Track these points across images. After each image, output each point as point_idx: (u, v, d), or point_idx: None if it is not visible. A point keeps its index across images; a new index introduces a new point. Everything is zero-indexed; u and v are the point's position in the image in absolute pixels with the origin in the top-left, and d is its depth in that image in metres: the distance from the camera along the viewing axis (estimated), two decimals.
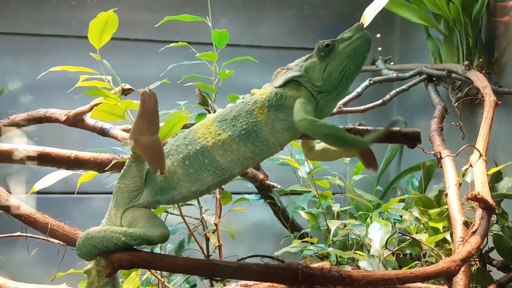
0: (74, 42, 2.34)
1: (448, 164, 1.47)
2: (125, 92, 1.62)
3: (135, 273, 1.54)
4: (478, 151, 1.42)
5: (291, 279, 0.88)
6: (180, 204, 1.64)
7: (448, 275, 1.01)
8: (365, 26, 1.75)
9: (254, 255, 1.00)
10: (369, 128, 0.99)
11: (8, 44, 2.33)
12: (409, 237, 1.49)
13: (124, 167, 1.01)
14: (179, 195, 0.98)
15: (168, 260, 0.91)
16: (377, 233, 1.42)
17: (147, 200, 0.98)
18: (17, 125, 1.82)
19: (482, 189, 1.29)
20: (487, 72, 1.90)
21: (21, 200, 1.08)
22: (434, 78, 2.05)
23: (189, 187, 0.96)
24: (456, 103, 1.75)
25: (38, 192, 1.47)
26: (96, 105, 1.57)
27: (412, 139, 0.96)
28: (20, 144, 1.40)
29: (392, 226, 1.62)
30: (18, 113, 1.86)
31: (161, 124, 1.44)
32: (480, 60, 1.87)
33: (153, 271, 1.44)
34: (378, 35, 2.64)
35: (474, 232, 1.14)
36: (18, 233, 1.27)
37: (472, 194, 1.15)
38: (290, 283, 0.92)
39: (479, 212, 1.22)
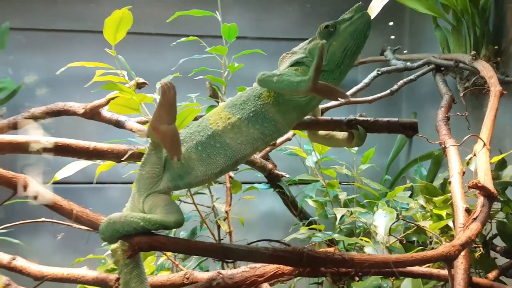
0: (89, 37, 2.43)
1: (452, 153, 1.53)
2: (139, 86, 1.70)
3: (151, 258, 1.64)
4: (482, 140, 1.47)
5: (297, 261, 0.96)
6: (192, 193, 1.73)
7: (447, 259, 1.07)
8: (372, 17, 1.82)
9: (263, 239, 1.07)
10: (369, 119, 1.05)
11: (25, 39, 2.43)
12: (413, 224, 1.56)
13: (144, 155, 1.09)
14: (195, 179, 1.05)
15: (183, 243, 0.99)
16: (382, 220, 1.49)
17: (167, 186, 1.06)
18: (37, 118, 1.92)
19: (484, 177, 1.35)
20: (495, 62, 1.94)
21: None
22: (442, 68, 2.10)
23: (204, 171, 1.03)
24: (463, 93, 1.79)
25: (56, 182, 1.57)
26: (112, 98, 1.66)
27: (410, 129, 1.02)
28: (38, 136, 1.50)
29: (398, 213, 1.70)
30: (36, 107, 1.96)
31: None
32: (487, 50, 1.91)
33: (169, 255, 1.53)
34: (391, 23, 2.68)
35: (474, 219, 1.20)
36: (43, 219, 1.36)
37: (473, 182, 1.21)
38: (295, 265, 1.00)
39: (480, 199, 1.28)
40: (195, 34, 1.80)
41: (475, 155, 1.46)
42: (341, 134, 1.11)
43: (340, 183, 1.90)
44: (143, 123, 1.72)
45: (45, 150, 1.40)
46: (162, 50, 2.25)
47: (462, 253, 1.25)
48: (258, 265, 1.08)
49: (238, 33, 1.72)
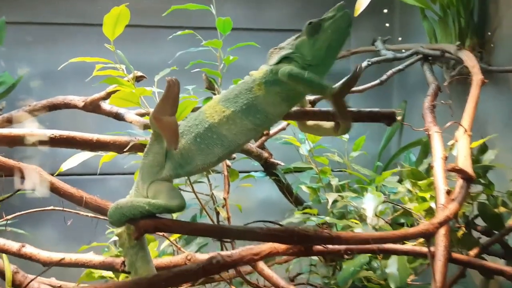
0: (89, 30, 2.50)
1: (436, 140, 1.64)
2: (138, 79, 1.79)
3: (154, 243, 1.75)
4: (463, 127, 1.58)
5: (289, 239, 1.07)
6: (192, 181, 1.83)
7: (426, 236, 1.18)
8: (361, 10, 1.91)
9: (259, 220, 1.18)
10: (353, 109, 1.15)
11: (27, 33, 2.49)
12: (399, 207, 1.67)
13: (147, 146, 1.18)
14: (195, 168, 1.15)
15: (186, 225, 1.10)
16: (370, 203, 1.60)
17: (169, 174, 1.15)
18: (38, 111, 2.01)
19: (464, 161, 1.46)
20: (479, 52, 2.05)
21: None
22: (430, 58, 2.20)
23: (202, 160, 1.13)
24: (447, 82, 1.90)
25: (60, 174, 1.66)
26: (111, 92, 1.75)
27: (389, 119, 1.13)
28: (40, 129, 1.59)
29: (387, 197, 1.81)
30: (35, 100, 2.05)
31: None
32: (472, 40, 2.02)
33: (172, 239, 1.63)
34: (385, 10, 2.76)
35: (453, 200, 1.32)
36: (51, 207, 1.46)
37: (451, 166, 1.32)
38: (288, 243, 1.11)
39: (459, 182, 1.39)
40: (192, 25, 1.88)
41: (456, 141, 1.57)
42: (328, 124, 1.21)
43: (333, 170, 2.01)
44: (142, 115, 1.82)
45: (51, 142, 1.49)
46: (160, 42, 2.32)
47: (443, 232, 1.37)
48: (254, 246, 1.19)
49: (234, 24, 1.80)
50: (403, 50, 2.30)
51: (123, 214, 1.08)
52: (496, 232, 1.62)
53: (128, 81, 1.62)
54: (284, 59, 1.11)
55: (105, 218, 1.13)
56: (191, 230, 1.09)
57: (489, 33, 2.03)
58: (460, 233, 1.64)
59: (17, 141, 1.45)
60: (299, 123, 1.28)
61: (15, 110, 2.05)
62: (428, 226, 1.18)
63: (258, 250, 1.16)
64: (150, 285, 1.04)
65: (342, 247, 1.34)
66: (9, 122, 1.72)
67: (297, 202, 2.08)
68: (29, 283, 1.24)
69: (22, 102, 2.08)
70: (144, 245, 1.17)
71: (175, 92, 1.10)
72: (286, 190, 2.07)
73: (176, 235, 1.68)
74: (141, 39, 2.45)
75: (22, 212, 1.54)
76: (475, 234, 1.73)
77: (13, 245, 1.52)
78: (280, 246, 1.20)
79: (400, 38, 2.69)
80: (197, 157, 1.13)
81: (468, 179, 1.37)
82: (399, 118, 1.47)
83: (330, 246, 1.37)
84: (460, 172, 1.32)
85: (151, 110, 1.63)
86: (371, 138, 2.68)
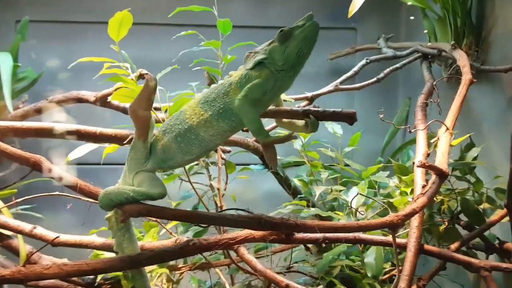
0: (101, 28, 2.68)
1: (420, 137, 1.73)
2: (142, 77, 1.95)
3: (154, 229, 1.91)
4: (445, 125, 1.66)
5: (256, 225, 1.20)
6: (191, 173, 1.98)
7: (391, 227, 1.29)
8: (354, 12, 2.01)
9: (232, 208, 1.31)
10: (319, 109, 1.26)
11: (43, 31, 2.67)
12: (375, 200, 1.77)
13: (133, 141, 1.34)
14: (175, 163, 1.30)
15: (165, 211, 1.24)
16: (353, 196, 1.72)
17: (152, 167, 1.30)
18: (55, 104, 2.21)
19: (441, 158, 1.55)
20: (475, 51, 2.11)
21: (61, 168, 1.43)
22: (429, 57, 2.27)
23: (182, 157, 1.27)
24: (435, 82, 1.97)
25: (77, 163, 1.84)
26: (118, 88, 1.92)
27: (350, 118, 1.23)
28: (59, 121, 1.77)
29: (376, 192, 1.92)
30: (55, 94, 2.25)
31: (170, 104, 1.78)
32: (468, 39, 2.08)
33: (169, 227, 1.79)
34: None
35: (423, 194, 1.41)
36: (57, 192, 1.63)
37: (420, 162, 1.41)
38: (255, 228, 1.24)
39: (433, 177, 1.49)
40: (195, 23, 2.01)
41: (438, 138, 1.66)
42: (300, 122, 1.32)
43: (332, 165, 2.12)
44: None
45: (59, 135, 1.66)
46: (163, 39, 2.48)
47: (415, 224, 1.47)
48: (233, 234, 1.32)
49: (238, 22, 1.91)
50: (393, 51, 2.37)
51: (111, 199, 1.24)
52: (477, 227, 1.70)
53: (133, 79, 1.78)
54: (258, 64, 1.23)
55: (97, 202, 1.29)
56: (170, 215, 1.24)
57: (485, 32, 2.08)
58: (442, 227, 1.73)
59: (29, 133, 1.63)
60: (276, 119, 1.40)
61: (33, 104, 2.27)
62: (393, 218, 1.29)
63: (235, 235, 1.30)
64: (133, 262, 1.20)
65: (320, 235, 1.47)
66: (23, 117, 1.90)
67: (295, 194, 2.20)
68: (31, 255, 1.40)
69: (44, 95, 2.30)
70: (130, 227, 1.33)
71: (152, 88, 1.23)
72: (284, 182, 2.19)
73: (174, 223, 1.84)
74: (147, 36, 2.60)
75: (31, 196, 1.70)
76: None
77: (26, 227, 1.70)
78: (256, 233, 1.33)
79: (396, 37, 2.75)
80: (177, 155, 1.27)
81: (441, 175, 1.46)
82: (379, 115, 1.58)
83: (309, 235, 1.50)
84: (430, 168, 1.42)
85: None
86: (376, 134, 2.78)
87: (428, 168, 1.42)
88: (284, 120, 1.36)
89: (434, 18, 2.29)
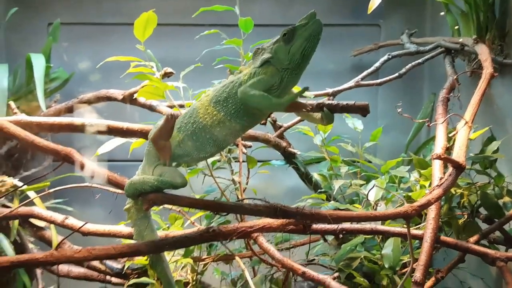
0: (128, 29, 2.82)
1: (439, 131, 1.77)
2: (167, 75, 2.05)
3: (179, 221, 2.01)
4: (463, 119, 1.70)
5: (272, 214, 1.27)
6: (214, 168, 2.08)
7: (405, 217, 1.34)
8: (374, 8, 2.06)
9: (249, 198, 1.39)
10: (333, 102, 1.32)
11: (74, 33, 2.81)
12: (406, 195, 1.82)
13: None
14: (191, 160, 1.41)
15: (186, 199, 1.34)
16: (372, 190, 1.77)
17: (170, 161, 1.40)
18: (85, 103, 2.35)
19: (459, 151, 1.59)
20: (499, 45, 2.12)
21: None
22: (452, 51, 2.29)
23: (197, 154, 1.37)
24: (456, 76, 2.00)
25: (107, 160, 1.95)
26: (144, 86, 2.03)
27: (363, 110, 1.29)
28: (89, 118, 1.89)
29: (397, 186, 1.96)
30: (85, 93, 2.39)
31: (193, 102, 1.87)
32: (491, 33, 2.10)
33: (193, 219, 1.89)
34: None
35: (439, 186, 1.46)
36: (86, 184, 1.75)
37: (436, 154, 1.46)
38: (271, 217, 1.31)
39: (450, 170, 1.53)
40: (219, 23, 2.10)
41: (457, 132, 1.70)
42: (318, 115, 1.39)
43: (352, 160, 2.18)
44: (171, 107, 2.09)
45: (89, 129, 1.78)
46: (187, 39, 2.59)
47: (432, 215, 1.52)
48: (250, 223, 1.40)
49: (260, 20, 1.99)
50: (416, 47, 2.40)
51: (136, 188, 1.34)
52: (496, 220, 1.73)
53: (157, 77, 1.89)
54: (265, 63, 1.31)
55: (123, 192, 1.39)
56: (190, 203, 1.33)
57: (509, 26, 2.09)
58: (461, 220, 1.77)
59: (62, 128, 1.76)
60: (296, 111, 1.47)
61: (64, 102, 2.41)
62: (407, 208, 1.34)
63: (253, 224, 1.38)
64: (157, 247, 1.30)
65: (337, 227, 1.54)
66: (55, 116, 2.03)
67: (316, 189, 2.26)
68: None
69: (75, 95, 2.44)
70: (149, 217, 1.44)
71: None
72: (305, 178, 2.26)
73: (199, 214, 1.94)
74: (171, 37, 2.71)
75: (61, 187, 1.82)
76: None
77: (58, 217, 1.83)
78: (274, 222, 1.41)
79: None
80: (193, 152, 1.37)
81: (458, 168, 1.50)
82: (398, 109, 1.63)
83: (326, 226, 1.56)
84: (447, 160, 1.46)
85: (174, 102, 1.90)
86: (401, 131, 2.82)
87: (445, 160, 1.46)
88: (303, 111, 1.42)
89: (458, 13, 2.31)
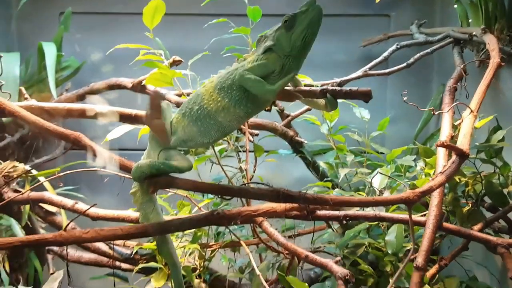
0: (138, 19, 2.86)
1: (445, 120, 1.79)
2: (176, 63, 2.09)
3: (187, 208, 2.05)
4: (469, 107, 1.72)
5: (275, 197, 1.30)
6: (221, 156, 2.12)
7: (407, 203, 1.36)
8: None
9: (253, 182, 1.42)
10: (336, 88, 1.35)
11: (85, 22, 2.87)
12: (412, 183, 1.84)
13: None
14: (195, 144, 1.44)
15: (191, 183, 1.38)
16: (377, 178, 1.80)
17: (174, 145, 1.44)
18: (96, 91, 2.40)
19: (463, 139, 1.61)
20: (508, 35, 2.13)
21: None
22: (461, 42, 2.30)
23: (201, 139, 1.40)
24: (462, 65, 2.01)
25: (118, 149, 2.00)
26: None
27: (366, 96, 1.31)
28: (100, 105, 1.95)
29: (402, 175, 1.99)
30: (97, 82, 2.44)
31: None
32: (500, 23, 2.10)
33: (201, 205, 1.93)
34: None
35: (442, 173, 1.48)
36: (95, 168, 1.79)
37: (440, 141, 1.48)
38: (274, 201, 1.33)
39: (453, 157, 1.55)
40: (227, 13, 2.14)
41: (462, 120, 1.72)
42: (322, 101, 1.42)
43: (361, 151, 2.21)
44: (179, 95, 2.13)
45: (99, 115, 1.83)
46: (196, 29, 2.63)
47: (435, 202, 1.54)
48: (254, 207, 1.44)
49: (269, 10, 2.02)
50: (425, 37, 2.41)
51: (143, 172, 1.38)
52: (500, 209, 1.75)
53: (166, 65, 1.93)
54: (268, 50, 1.34)
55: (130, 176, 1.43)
56: (194, 186, 1.37)
57: None
58: (466, 209, 1.79)
59: (73, 114, 1.81)
60: (301, 98, 1.49)
61: (77, 89, 2.47)
62: (409, 194, 1.37)
63: (257, 208, 1.41)
64: (163, 228, 1.34)
65: (341, 213, 1.57)
66: (66, 102, 2.09)
67: (323, 178, 2.29)
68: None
69: (86, 83, 2.50)
70: (155, 200, 1.48)
71: (158, 102, 1.38)
72: (312, 167, 2.29)
73: (206, 201, 1.98)
74: (180, 26, 2.76)
75: (71, 171, 1.86)
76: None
77: (68, 202, 1.88)
78: (278, 207, 1.45)
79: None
80: (197, 137, 1.40)
81: (462, 155, 1.52)
82: (403, 98, 1.65)
83: (330, 213, 1.60)
84: (450, 147, 1.48)
85: (183, 90, 1.94)
86: (410, 121, 2.83)
87: (448, 148, 1.48)
88: (308, 99, 1.45)
89: (467, 3, 2.32)
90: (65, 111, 1.78)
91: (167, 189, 1.82)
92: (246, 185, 1.50)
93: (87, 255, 2.24)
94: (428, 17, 2.75)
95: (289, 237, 2.02)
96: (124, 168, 1.44)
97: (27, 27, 2.88)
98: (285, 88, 1.38)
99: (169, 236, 1.49)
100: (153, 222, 1.42)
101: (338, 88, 1.32)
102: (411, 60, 2.27)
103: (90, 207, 1.55)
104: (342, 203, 1.34)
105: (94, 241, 1.33)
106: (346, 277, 1.31)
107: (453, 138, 1.72)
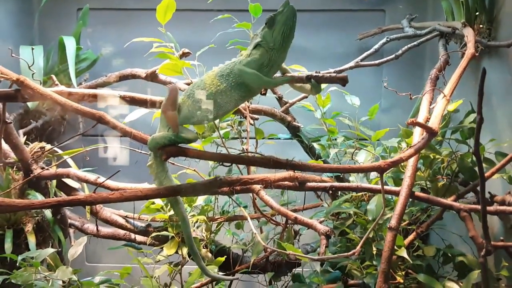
0: (151, 14, 3.18)
1: (423, 104, 2.08)
2: (185, 55, 2.41)
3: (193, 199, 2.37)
4: (442, 92, 2.02)
5: (267, 164, 1.61)
6: (225, 139, 2.43)
7: (379, 171, 1.67)
8: None
9: (249, 151, 1.73)
10: (319, 74, 1.65)
11: (100, 18, 3.19)
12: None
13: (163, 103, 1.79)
14: (197, 121, 1.75)
15: (194, 151, 1.70)
16: (362, 155, 2.10)
17: (180, 122, 1.74)
18: (113, 80, 2.73)
19: (434, 119, 1.90)
20: (488, 29, 2.41)
21: None
22: (446, 35, 2.59)
23: (202, 116, 1.71)
24: (441, 55, 2.30)
25: None
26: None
27: (342, 80, 1.62)
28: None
29: (388, 155, 2.29)
30: (113, 72, 2.77)
31: None
32: (480, 18, 2.39)
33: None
34: None
35: (411, 147, 1.78)
36: (106, 145, 2.12)
37: (410, 120, 1.78)
38: (265, 166, 1.65)
39: (423, 134, 1.85)
40: (231, 8, 2.45)
41: (436, 104, 2.01)
42: (308, 86, 1.73)
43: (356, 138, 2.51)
44: (189, 84, 2.45)
45: (120, 100, 2.16)
46: (203, 24, 2.93)
47: (408, 174, 1.84)
48: (250, 176, 1.76)
49: (273, 5, 2.30)
50: (414, 30, 2.71)
51: (157, 142, 1.71)
52: (471, 183, 2.05)
53: (176, 57, 2.25)
54: (257, 46, 1.66)
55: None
56: (198, 155, 1.69)
57: (497, 10, 2.37)
58: (441, 183, 2.09)
59: (94, 99, 2.14)
60: (290, 84, 1.81)
61: (94, 80, 2.80)
62: (381, 163, 1.67)
63: (253, 176, 1.73)
64: (175, 190, 1.66)
65: (328, 184, 1.88)
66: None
67: (318, 159, 2.60)
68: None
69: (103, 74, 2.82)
70: (167, 169, 1.79)
71: (175, 95, 1.69)
72: (309, 150, 2.60)
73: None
74: (189, 21, 3.07)
75: (94, 146, 2.19)
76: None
77: (91, 177, 2.22)
78: (271, 177, 1.77)
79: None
80: (199, 114, 1.72)
81: (431, 133, 1.81)
82: (384, 84, 1.95)
83: (319, 184, 1.91)
84: (419, 125, 1.78)
85: (191, 79, 2.26)
86: (403, 111, 3.12)
87: (417, 125, 1.78)
88: (296, 84, 1.76)
89: None
90: (88, 96, 2.10)
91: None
92: (240, 152, 1.83)
93: (105, 229, 2.58)
94: (421, 11, 3.03)
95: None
96: (141, 140, 1.77)
97: (48, 23, 3.19)
98: (275, 75, 1.71)
99: (180, 198, 1.81)
100: (166, 186, 1.75)
101: (320, 74, 1.63)
102: (399, 51, 2.56)
103: (112, 176, 1.87)
104: (322, 169, 1.66)
105: (118, 201, 1.63)
106: (327, 233, 1.61)
107: (429, 120, 2.02)
